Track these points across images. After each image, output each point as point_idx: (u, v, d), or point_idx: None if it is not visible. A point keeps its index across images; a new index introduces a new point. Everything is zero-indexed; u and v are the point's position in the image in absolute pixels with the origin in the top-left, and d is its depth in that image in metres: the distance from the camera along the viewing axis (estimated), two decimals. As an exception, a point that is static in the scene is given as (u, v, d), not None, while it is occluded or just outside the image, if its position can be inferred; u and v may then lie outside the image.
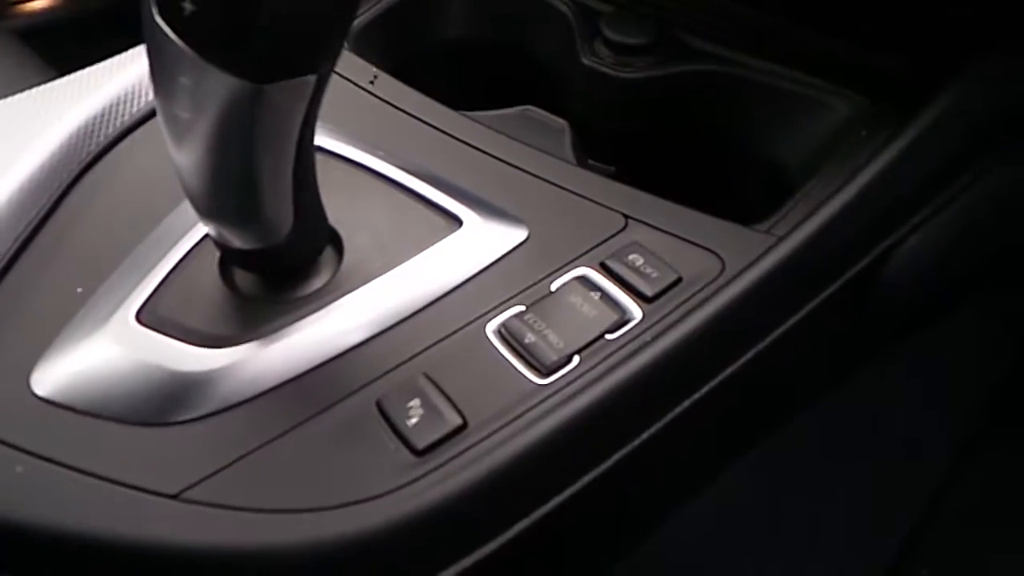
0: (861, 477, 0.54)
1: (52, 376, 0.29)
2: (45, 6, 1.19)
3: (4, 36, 0.80)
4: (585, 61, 0.46)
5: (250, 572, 0.25)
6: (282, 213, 0.28)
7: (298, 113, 0.25)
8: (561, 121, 0.43)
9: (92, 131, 0.36)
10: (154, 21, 0.24)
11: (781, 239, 0.33)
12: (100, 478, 0.27)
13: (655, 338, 0.30)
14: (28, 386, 0.29)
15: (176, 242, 0.32)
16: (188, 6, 0.23)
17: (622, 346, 0.30)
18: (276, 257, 0.30)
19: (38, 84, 0.69)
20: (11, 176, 0.33)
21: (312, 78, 0.24)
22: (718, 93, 0.45)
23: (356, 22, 0.46)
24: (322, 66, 0.24)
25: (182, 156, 0.26)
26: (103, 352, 0.29)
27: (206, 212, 0.28)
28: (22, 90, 0.68)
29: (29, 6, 1.18)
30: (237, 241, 0.29)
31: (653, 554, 0.45)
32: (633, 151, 0.47)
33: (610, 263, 0.32)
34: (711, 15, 0.46)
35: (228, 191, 0.27)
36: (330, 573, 0.26)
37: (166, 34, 0.24)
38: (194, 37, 0.23)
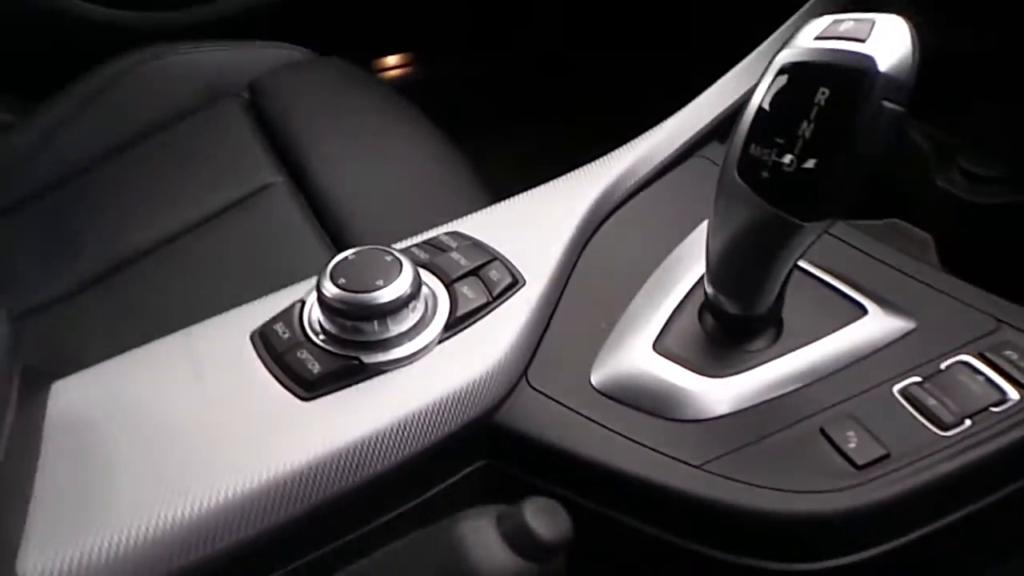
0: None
1: (602, 377, 0.46)
2: (404, 72, 1.50)
3: (387, 89, 1.05)
4: (940, 184, 0.57)
5: (748, 523, 0.40)
6: (768, 298, 0.43)
7: (809, 241, 0.40)
8: (925, 234, 0.55)
9: (600, 203, 0.54)
10: (734, 177, 0.40)
11: None
12: (641, 444, 0.43)
13: (1032, 416, 0.41)
14: (589, 381, 0.46)
15: (668, 294, 0.49)
16: (764, 175, 0.39)
17: (1006, 418, 0.41)
18: (748, 322, 0.45)
19: (416, 127, 0.91)
20: (558, 236, 0.52)
21: (829, 221, 0.39)
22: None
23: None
24: (839, 215, 0.39)
25: (718, 246, 0.42)
26: (634, 368, 0.46)
27: (719, 286, 0.44)
28: (407, 130, 0.89)
29: (391, 72, 1.50)
30: (729, 308, 0.45)
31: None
32: (966, 258, 0.58)
33: (989, 355, 0.44)
34: None
35: (742, 278, 0.43)
36: (799, 535, 0.40)
37: (741, 184, 0.39)
38: (762, 189, 0.39)
